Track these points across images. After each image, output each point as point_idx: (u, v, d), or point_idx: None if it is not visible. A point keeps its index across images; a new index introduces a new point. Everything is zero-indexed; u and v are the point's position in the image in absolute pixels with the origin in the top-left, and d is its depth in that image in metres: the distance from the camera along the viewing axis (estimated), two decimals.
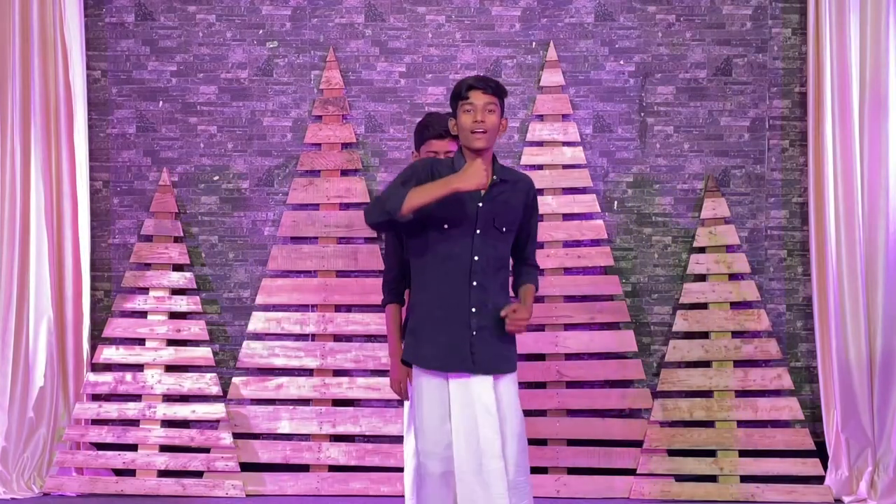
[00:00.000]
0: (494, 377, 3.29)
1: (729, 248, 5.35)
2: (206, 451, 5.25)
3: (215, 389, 5.30)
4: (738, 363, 5.26)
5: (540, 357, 5.28)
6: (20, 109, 5.29)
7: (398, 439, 5.17)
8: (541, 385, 5.28)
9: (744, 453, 5.16)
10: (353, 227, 5.37)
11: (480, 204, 3.35)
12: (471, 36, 5.46)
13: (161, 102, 5.51)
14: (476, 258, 3.32)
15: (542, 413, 5.26)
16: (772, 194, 5.43)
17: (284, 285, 5.37)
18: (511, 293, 3.50)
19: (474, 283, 3.32)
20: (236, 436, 5.26)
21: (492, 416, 3.22)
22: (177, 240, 5.45)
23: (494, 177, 3.40)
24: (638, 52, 5.44)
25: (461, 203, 3.32)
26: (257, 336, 5.38)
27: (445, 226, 3.33)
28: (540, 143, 5.39)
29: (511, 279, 3.55)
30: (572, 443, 5.23)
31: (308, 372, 5.35)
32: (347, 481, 5.19)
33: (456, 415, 3.24)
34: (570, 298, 5.33)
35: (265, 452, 5.25)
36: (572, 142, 5.38)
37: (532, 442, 5.19)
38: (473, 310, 3.32)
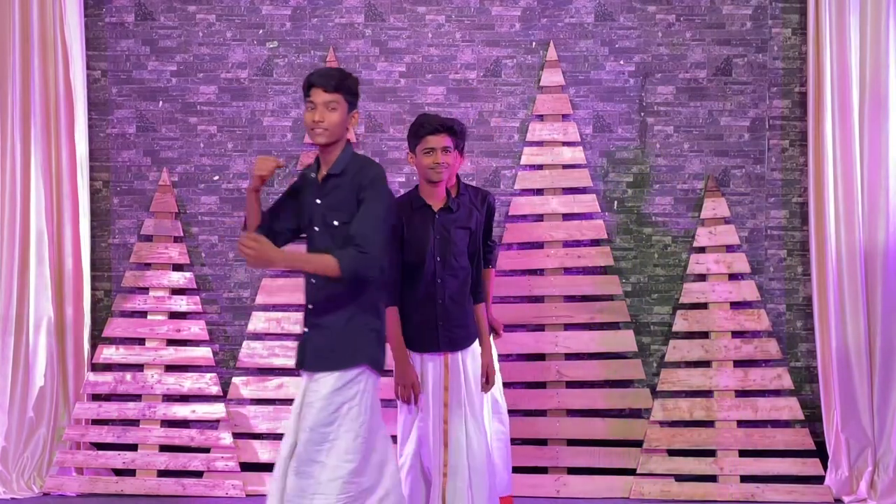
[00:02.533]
0: (310, 376, 3.35)
1: (729, 248, 5.35)
2: (206, 451, 5.25)
3: (215, 389, 5.30)
4: (738, 363, 5.26)
5: (540, 357, 5.28)
6: (20, 109, 5.29)
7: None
8: (541, 385, 5.28)
9: (744, 453, 5.16)
10: None
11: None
12: (471, 36, 5.46)
13: (161, 102, 5.51)
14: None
15: (542, 413, 5.26)
16: (772, 194, 5.43)
17: (284, 285, 5.37)
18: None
19: None
20: (236, 436, 5.26)
21: (294, 415, 3.35)
22: (177, 240, 5.45)
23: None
24: (638, 52, 5.44)
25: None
26: (257, 336, 5.38)
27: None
28: (540, 143, 5.39)
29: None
30: (572, 443, 5.23)
31: None
32: None
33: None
34: (570, 298, 5.33)
35: (265, 452, 5.25)
36: (572, 142, 5.38)
37: (532, 442, 5.22)
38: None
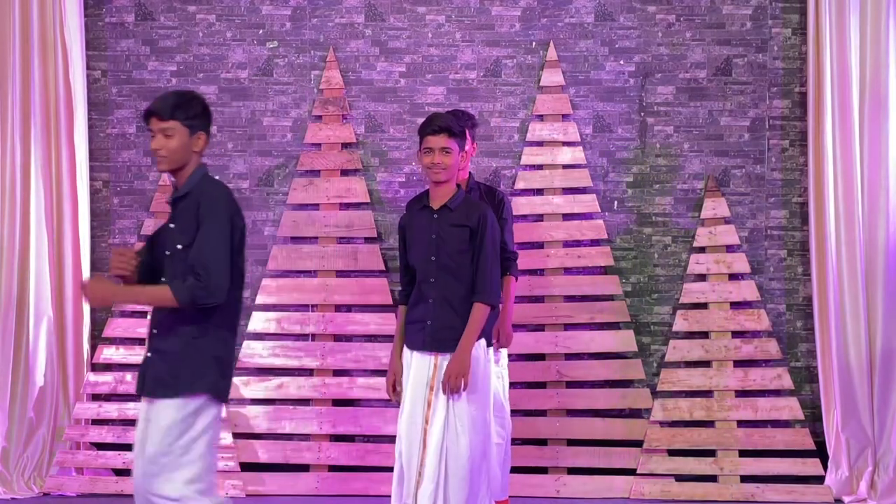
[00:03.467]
0: (150, 402, 3.25)
1: (729, 248, 5.35)
2: None
3: None
4: (738, 363, 5.26)
5: (540, 357, 5.28)
6: (20, 109, 5.29)
7: None
8: (541, 385, 5.28)
9: (744, 453, 5.16)
10: (353, 227, 5.37)
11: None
12: (471, 36, 5.46)
13: None
14: None
15: (542, 413, 5.26)
16: (772, 194, 5.43)
17: (284, 285, 5.37)
18: None
19: None
20: (236, 436, 5.26)
21: (138, 441, 3.25)
22: None
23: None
24: (638, 52, 5.44)
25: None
26: (257, 336, 5.38)
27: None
28: (540, 143, 5.39)
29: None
30: (572, 443, 5.23)
31: (308, 372, 5.35)
32: (347, 481, 5.19)
33: None
34: (570, 298, 5.33)
35: (265, 452, 5.25)
36: (572, 142, 5.38)
37: (532, 442, 5.22)
38: None
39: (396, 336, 3.93)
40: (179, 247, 3.25)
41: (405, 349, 3.89)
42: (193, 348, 3.22)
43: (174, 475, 3.13)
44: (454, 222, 3.85)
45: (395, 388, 3.90)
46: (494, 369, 4.29)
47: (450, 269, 3.82)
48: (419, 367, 3.83)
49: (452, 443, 3.74)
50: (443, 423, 3.73)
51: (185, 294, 3.14)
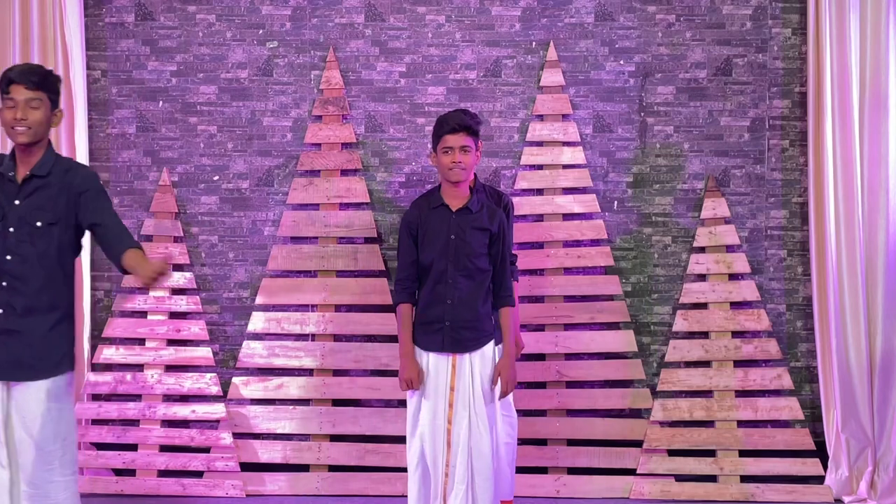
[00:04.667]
0: (12, 386, 3.29)
1: (729, 248, 5.35)
2: (206, 451, 5.25)
3: (215, 389, 5.30)
4: (738, 363, 5.26)
5: (540, 357, 5.28)
6: None
7: (398, 439, 5.17)
8: (541, 385, 5.28)
9: (744, 453, 5.16)
10: (353, 227, 5.37)
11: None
12: (471, 36, 5.46)
13: (161, 102, 5.51)
14: None
15: (542, 413, 5.26)
16: (772, 194, 5.43)
17: (284, 285, 5.37)
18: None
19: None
20: (236, 436, 5.26)
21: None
22: (177, 240, 5.45)
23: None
24: (638, 52, 5.44)
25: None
26: (257, 336, 5.38)
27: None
28: (540, 143, 5.39)
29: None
30: (572, 443, 5.23)
31: (308, 372, 5.35)
32: (347, 481, 5.19)
33: None
34: (570, 298, 5.33)
35: (265, 452, 5.25)
36: (572, 142, 5.38)
37: (532, 442, 5.22)
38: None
39: (406, 334, 3.88)
40: (39, 224, 3.27)
41: (416, 350, 3.89)
42: (60, 327, 3.30)
43: (64, 458, 3.23)
44: (476, 225, 3.86)
45: (411, 384, 3.85)
46: None
47: (468, 270, 3.83)
48: (437, 368, 3.85)
49: (476, 442, 3.80)
50: (467, 424, 3.78)
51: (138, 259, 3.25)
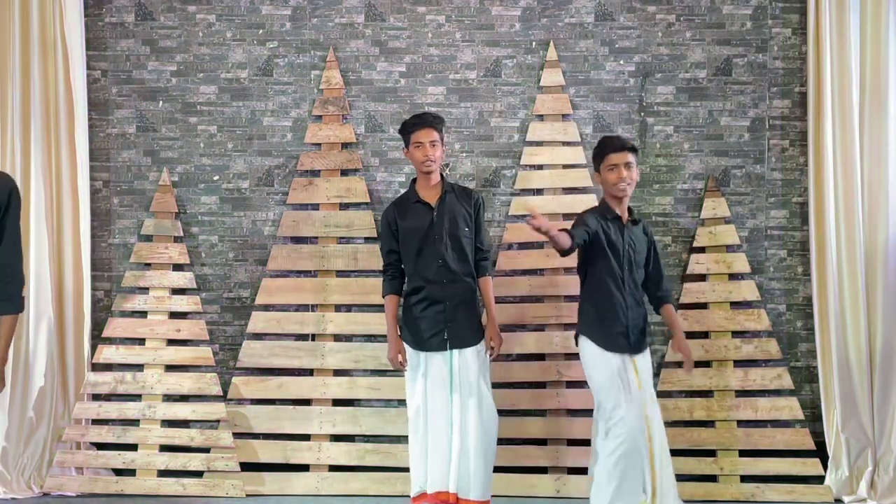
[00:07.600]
0: None
1: (729, 248, 5.35)
2: (206, 450, 5.25)
3: (215, 389, 5.30)
4: (738, 363, 5.26)
5: (540, 357, 5.28)
6: (20, 109, 5.29)
7: (398, 439, 5.17)
8: (541, 385, 5.28)
9: (744, 453, 5.16)
10: (352, 227, 5.37)
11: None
12: (471, 36, 5.46)
13: (161, 102, 5.51)
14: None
15: (542, 413, 5.26)
16: (772, 194, 5.43)
17: (284, 285, 5.37)
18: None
19: None
20: (236, 436, 5.26)
21: None
22: (177, 240, 5.46)
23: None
24: (638, 52, 5.44)
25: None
26: (257, 336, 5.38)
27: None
28: (540, 143, 5.39)
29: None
30: (572, 443, 5.23)
31: (308, 372, 5.35)
32: (347, 481, 5.19)
33: None
34: (570, 298, 5.33)
35: (265, 452, 5.25)
36: (572, 142, 5.38)
37: (532, 442, 5.21)
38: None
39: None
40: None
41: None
42: None
43: None
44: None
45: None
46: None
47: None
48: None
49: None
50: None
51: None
